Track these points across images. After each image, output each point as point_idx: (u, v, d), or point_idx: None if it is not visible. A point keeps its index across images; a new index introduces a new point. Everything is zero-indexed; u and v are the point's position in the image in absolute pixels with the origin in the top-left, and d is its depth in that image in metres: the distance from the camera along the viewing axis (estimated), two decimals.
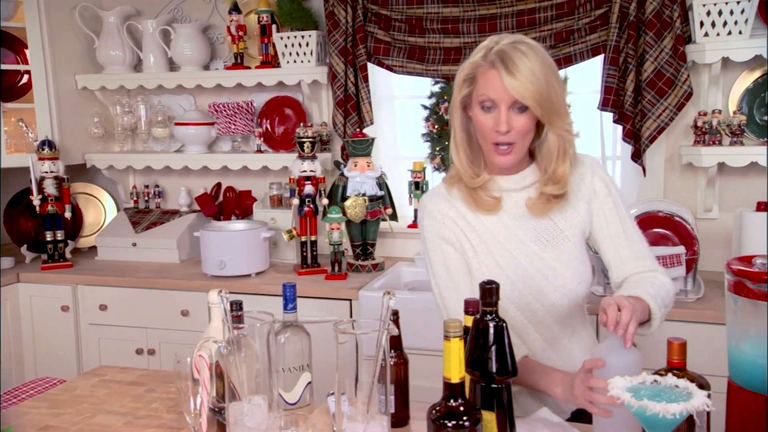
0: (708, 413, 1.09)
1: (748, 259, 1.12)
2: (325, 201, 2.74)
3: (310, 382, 1.38)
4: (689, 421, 1.07)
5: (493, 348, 1.13)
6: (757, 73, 2.51)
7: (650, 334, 1.37)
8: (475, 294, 1.18)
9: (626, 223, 1.48)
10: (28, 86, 3.07)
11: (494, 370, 1.12)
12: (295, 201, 2.73)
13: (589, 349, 1.51)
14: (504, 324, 1.15)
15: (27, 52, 3.04)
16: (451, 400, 1.06)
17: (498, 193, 1.45)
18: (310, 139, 2.71)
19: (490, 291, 1.14)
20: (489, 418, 1.13)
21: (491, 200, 1.44)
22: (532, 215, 1.44)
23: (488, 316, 1.15)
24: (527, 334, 1.47)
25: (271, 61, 2.99)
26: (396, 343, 1.34)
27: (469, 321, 1.25)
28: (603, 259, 1.50)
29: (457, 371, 1.05)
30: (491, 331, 1.13)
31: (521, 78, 1.30)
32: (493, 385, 1.13)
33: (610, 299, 1.23)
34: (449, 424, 1.05)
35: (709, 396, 0.98)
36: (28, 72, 3.06)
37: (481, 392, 1.14)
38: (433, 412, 1.07)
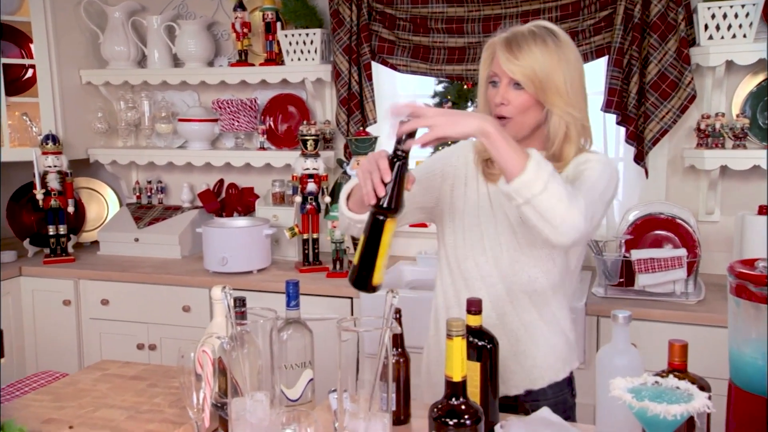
0: (708, 415, 1.10)
1: (750, 263, 1.13)
2: (328, 199, 2.74)
3: (311, 379, 1.38)
4: (689, 422, 1.07)
5: (390, 185, 1.22)
6: (760, 77, 2.51)
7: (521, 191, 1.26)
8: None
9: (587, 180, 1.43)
10: (33, 80, 3.08)
11: (385, 204, 1.22)
12: (298, 198, 2.74)
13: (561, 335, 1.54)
14: (406, 167, 1.24)
15: (32, 46, 3.04)
16: (453, 399, 1.07)
17: None
18: (314, 137, 2.71)
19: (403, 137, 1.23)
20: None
21: (495, 172, 1.50)
22: None
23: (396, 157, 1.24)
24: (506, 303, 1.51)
25: (275, 58, 2.99)
26: (398, 341, 1.35)
27: (471, 320, 1.26)
28: None
29: (459, 370, 1.06)
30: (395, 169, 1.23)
31: (518, 55, 1.39)
32: (380, 216, 1.24)
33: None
34: (451, 423, 1.05)
35: (709, 398, 0.99)
36: (32, 66, 3.07)
37: (372, 221, 1.25)
38: (435, 410, 1.08)
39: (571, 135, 1.44)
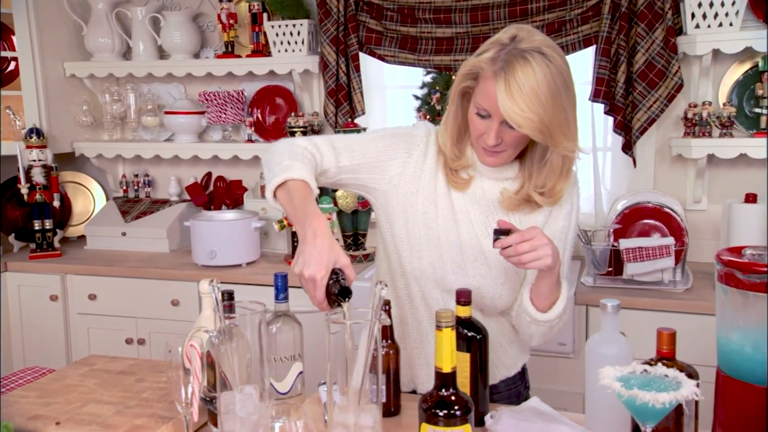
0: (696, 402, 1.10)
1: (737, 250, 1.13)
2: (317, 191, 2.72)
3: (301, 372, 1.38)
4: (678, 410, 1.08)
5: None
6: (747, 65, 2.52)
7: (549, 321, 1.40)
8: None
9: (565, 251, 1.45)
10: (15, 73, 3.04)
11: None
12: None
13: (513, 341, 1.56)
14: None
15: (14, 38, 3.00)
16: (443, 390, 1.07)
17: (473, 172, 1.42)
18: (302, 129, 2.70)
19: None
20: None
21: (463, 180, 1.42)
22: (500, 207, 1.41)
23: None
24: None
25: (262, 50, 2.97)
26: (387, 332, 1.35)
27: (461, 311, 1.26)
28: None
29: (448, 361, 1.06)
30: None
31: (520, 102, 1.22)
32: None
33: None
34: (441, 414, 1.05)
35: (698, 385, 0.99)
36: (15, 59, 3.03)
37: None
38: (425, 401, 1.08)
39: (570, 170, 1.37)
